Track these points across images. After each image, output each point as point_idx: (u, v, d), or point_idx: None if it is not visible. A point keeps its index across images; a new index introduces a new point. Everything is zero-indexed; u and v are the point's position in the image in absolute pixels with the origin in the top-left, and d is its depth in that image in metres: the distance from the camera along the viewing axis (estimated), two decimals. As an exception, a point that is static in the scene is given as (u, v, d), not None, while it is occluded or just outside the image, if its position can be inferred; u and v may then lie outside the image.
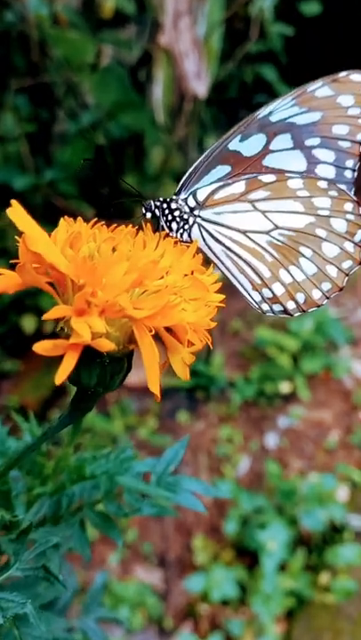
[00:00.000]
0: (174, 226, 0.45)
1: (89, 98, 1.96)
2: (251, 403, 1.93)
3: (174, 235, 0.45)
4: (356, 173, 0.46)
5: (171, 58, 1.74)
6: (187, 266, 0.30)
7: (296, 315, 0.46)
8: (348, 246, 0.45)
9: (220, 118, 2.26)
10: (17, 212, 0.27)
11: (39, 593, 0.41)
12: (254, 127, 0.45)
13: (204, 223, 0.46)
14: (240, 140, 0.45)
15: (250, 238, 0.45)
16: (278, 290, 0.45)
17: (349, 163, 0.46)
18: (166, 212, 0.45)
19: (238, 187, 0.45)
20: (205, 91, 1.70)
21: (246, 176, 0.45)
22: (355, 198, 0.45)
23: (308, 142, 0.45)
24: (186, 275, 0.30)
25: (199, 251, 0.34)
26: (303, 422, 1.89)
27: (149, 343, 0.25)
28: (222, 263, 0.46)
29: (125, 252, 0.28)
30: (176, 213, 0.45)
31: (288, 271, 0.45)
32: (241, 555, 1.52)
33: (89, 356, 0.26)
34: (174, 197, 0.46)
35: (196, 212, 0.46)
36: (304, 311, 0.46)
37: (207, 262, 0.35)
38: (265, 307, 0.47)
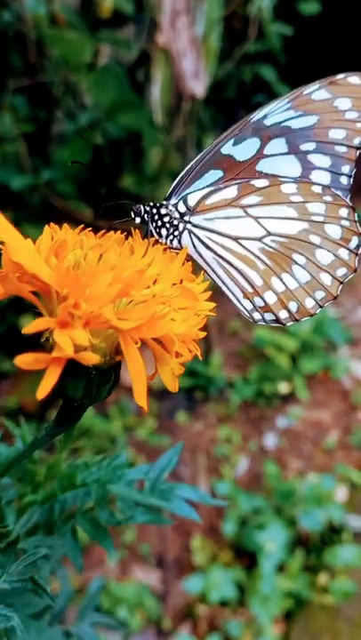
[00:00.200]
0: (164, 232, 0.44)
1: (87, 98, 1.95)
2: (249, 403, 1.92)
3: (164, 241, 0.44)
4: (352, 180, 0.45)
5: (169, 57, 1.73)
6: (176, 274, 0.30)
7: (289, 324, 0.45)
8: (343, 253, 0.44)
9: (219, 118, 2.25)
10: (-2, 221, 0.26)
11: (30, 602, 0.41)
12: (248, 131, 0.44)
13: (194, 229, 0.44)
14: (233, 144, 0.44)
15: (241, 245, 0.44)
16: (270, 298, 0.44)
17: (345, 169, 0.45)
18: (156, 217, 0.44)
19: (230, 192, 0.44)
20: (203, 90, 1.69)
21: (239, 181, 0.44)
22: (350, 203, 0.44)
23: (304, 147, 0.44)
24: (175, 283, 0.30)
25: (189, 258, 0.33)
26: (302, 422, 1.89)
27: (135, 355, 0.25)
28: (213, 271, 0.45)
29: (111, 260, 0.27)
30: (166, 219, 0.44)
31: (280, 279, 0.44)
32: (239, 555, 1.52)
33: (74, 367, 0.25)
34: (164, 202, 0.45)
35: (186, 218, 0.44)
36: (297, 320, 0.45)
37: (197, 270, 0.34)
38: (256, 315, 0.46)
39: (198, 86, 1.64)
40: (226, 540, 1.54)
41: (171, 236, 0.44)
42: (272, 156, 0.44)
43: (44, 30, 1.77)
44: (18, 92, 1.85)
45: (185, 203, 0.45)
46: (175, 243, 0.44)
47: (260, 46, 2.26)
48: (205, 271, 0.45)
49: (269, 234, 0.44)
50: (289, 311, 0.45)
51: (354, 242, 0.44)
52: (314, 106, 0.44)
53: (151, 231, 0.43)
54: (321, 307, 0.44)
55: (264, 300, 0.45)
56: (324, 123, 0.44)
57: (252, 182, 0.44)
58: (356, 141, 0.44)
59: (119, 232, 0.33)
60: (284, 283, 0.44)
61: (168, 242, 0.44)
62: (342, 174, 0.45)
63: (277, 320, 0.45)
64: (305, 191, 0.44)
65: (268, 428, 1.86)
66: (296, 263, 0.44)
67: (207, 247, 0.44)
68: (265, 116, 0.44)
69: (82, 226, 0.32)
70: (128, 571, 1.52)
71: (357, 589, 1.41)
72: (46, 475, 0.41)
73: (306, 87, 0.44)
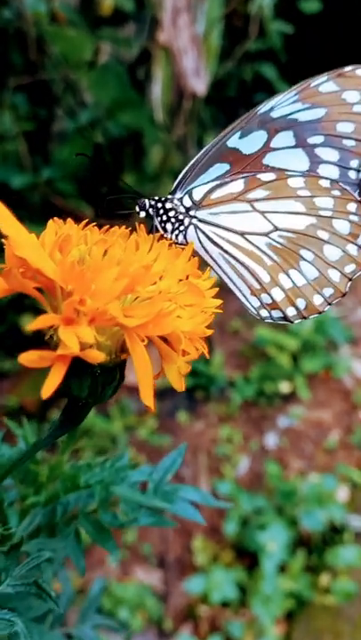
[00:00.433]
0: (169, 227, 0.43)
1: (87, 96, 1.94)
2: (250, 402, 1.92)
3: (169, 236, 0.43)
4: (360, 174, 0.44)
5: (170, 55, 1.72)
6: (182, 270, 0.29)
7: (296, 321, 0.44)
8: (352, 249, 0.43)
9: (220, 117, 2.24)
10: (2, 215, 0.25)
11: (32, 605, 0.40)
12: (255, 123, 0.43)
13: (200, 224, 0.43)
14: (240, 137, 0.43)
15: (248, 240, 0.43)
16: (278, 295, 0.43)
17: (354, 163, 0.43)
18: (161, 211, 0.43)
19: (236, 185, 0.43)
20: (205, 88, 1.69)
21: (245, 174, 0.43)
22: (359, 198, 0.43)
23: (311, 140, 0.43)
24: (181, 279, 0.29)
25: (195, 253, 0.32)
26: (303, 422, 1.89)
27: (142, 353, 0.24)
28: (219, 266, 0.44)
29: (117, 255, 0.26)
30: (171, 214, 0.43)
31: (288, 275, 0.43)
32: (241, 556, 1.51)
33: (79, 366, 0.24)
34: (169, 197, 0.44)
35: (191, 213, 0.43)
36: (305, 317, 0.44)
37: (203, 265, 0.34)
38: (264, 313, 0.45)
39: (200, 84, 1.64)
40: (227, 540, 1.53)
41: (176, 231, 0.43)
42: (279, 149, 0.43)
43: (44, 28, 1.76)
44: (18, 90, 1.84)
45: (190, 197, 0.44)
46: (180, 238, 0.43)
47: (261, 45, 2.25)
48: (211, 267, 0.44)
49: (276, 229, 0.43)
50: (297, 308, 0.44)
51: None
52: (322, 98, 0.43)
53: (156, 226, 0.42)
54: (329, 304, 0.44)
55: (271, 297, 0.44)
56: (332, 115, 0.43)
57: (259, 176, 0.43)
58: None
59: (123, 227, 0.32)
60: (291, 279, 0.43)
61: (173, 237, 0.43)
62: (351, 168, 0.43)
63: (285, 317, 0.44)
64: (313, 185, 0.43)
65: (270, 428, 1.85)
66: (304, 259, 0.43)
67: (213, 242, 0.43)
68: (272, 109, 0.43)
69: (86, 220, 0.31)
70: (129, 571, 1.52)
71: (359, 590, 1.41)
72: (49, 476, 0.40)
73: (313, 79, 0.43)
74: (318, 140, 0.43)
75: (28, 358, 0.22)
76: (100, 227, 0.32)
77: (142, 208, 0.43)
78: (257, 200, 0.43)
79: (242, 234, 0.43)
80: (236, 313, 2.12)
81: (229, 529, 1.50)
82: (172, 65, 1.74)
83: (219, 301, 0.30)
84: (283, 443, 1.80)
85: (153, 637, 1.41)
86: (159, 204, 0.43)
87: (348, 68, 0.43)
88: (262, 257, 0.43)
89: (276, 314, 0.45)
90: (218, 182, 0.43)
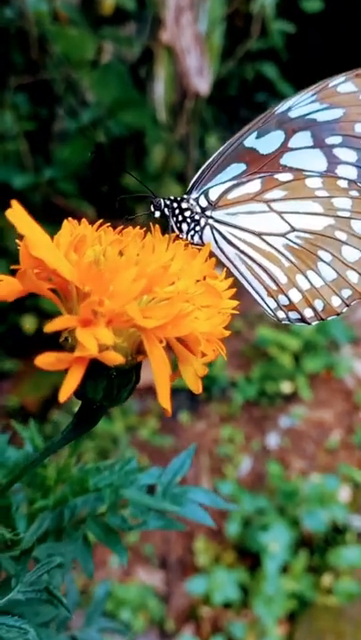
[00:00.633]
0: (185, 227, 0.42)
1: (89, 95, 1.94)
2: (252, 402, 1.91)
3: (185, 237, 0.43)
4: None
5: (172, 54, 1.72)
6: (198, 271, 0.28)
7: (314, 323, 0.44)
8: None
9: (221, 117, 2.24)
10: (17, 214, 0.25)
11: (40, 610, 0.39)
12: (272, 123, 0.43)
13: (216, 224, 0.43)
14: (257, 137, 0.43)
15: (265, 241, 0.42)
16: (295, 296, 0.43)
17: None
18: (176, 211, 0.42)
19: (253, 186, 0.42)
20: (208, 88, 1.68)
21: (262, 174, 0.42)
22: None
23: (329, 141, 0.43)
24: (198, 280, 0.28)
25: (211, 254, 0.32)
26: (305, 422, 1.88)
27: (160, 355, 0.24)
28: (236, 268, 0.44)
29: (133, 256, 0.26)
30: (187, 214, 0.42)
31: (306, 276, 0.42)
32: (243, 556, 1.51)
33: (95, 368, 0.24)
34: (185, 197, 0.43)
35: (208, 213, 0.43)
36: (322, 319, 0.43)
37: (219, 266, 0.33)
38: (281, 314, 0.44)
39: (203, 83, 1.63)
40: (229, 540, 1.53)
41: (192, 232, 0.43)
42: (297, 149, 0.43)
43: (45, 27, 1.75)
44: (19, 90, 1.84)
45: (206, 197, 0.43)
46: (196, 238, 0.43)
47: (263, 44, 2.25)
48: (228, 268, 0.43)
49: (294, 229, 0.42)
50: (315, 310, 0.43)
51: None
52: (340, 98, 0.42)
53: (172, 226, 0.42)
54: (348, 305, 0.43)
55: (289, 299, 0.43)
56: (350, 116, 0.42)
57: (276, 176, 0.42)
58: None
59: (138, 228, 0.32)
60: (309, 280, 0.42)
61: (189, 237, 0.43)
62: None
63: (303, 319, 0.44)
64: (331, 186, 0.42)
65: (271, 428, 1.85)
66: (322, 260, 0.42)
67: (229, 243, 0.43)
68: (289, 109, 0.43)
69: (100, 222, 0.31)
70: (131, 572, 1.51)
71: (362, 590, 1.40)
72: (56, 479, 0.40)
73: (331, 79, 0.42)
74: (336, 140, 0.43)
75: (46, 361, 0.22)
76: (113, 227, 0.31)
77: (158, 208, 0.43)
78: (274, 200, 0.42)
79: (259, 234, 0.43)
80: (238, 313, 2.12)
81: (231, 529, 1.49)
82: (174, 64, 1.74)
83: (235, 302, 0.29)
84: (284, 443, 1.80)
85: (155, 638, 1.41)
86: (175, 204, 0.43)
87: None
88: (280, 258, 0.42)
89: (293, 315, 0.44)
90: (234, 182, 0.43)
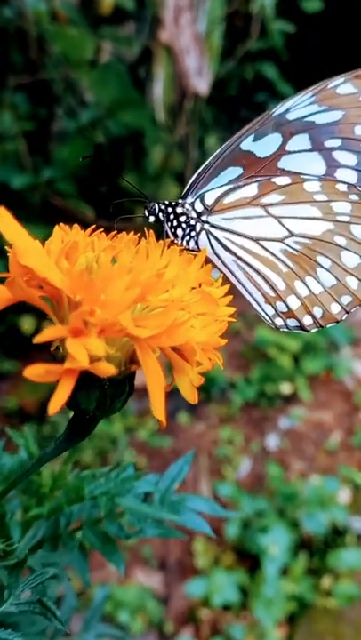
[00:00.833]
0: (180, 232, 0.41)
1: (88, 95, 1.93)
2: (251, 404, 1.91)
3: (180, 242, 0.42)
4: None
5: (171, 54, 1.71)
6: (194, 277, 0.28)
7: (313, 330, 0.43)
8: None
9: (221, 117, 2.23)
10: (5, 221, 0.24)
11: (36, 619, 0.39)
12: (269, 126, 0.42)
13: (212, 230, 0.42)
14: (254, 140, 0.42)
15: (262, 246, 0.41)
16: (293, 303, 0.42)
17: None
18: (171, 216, 0.41)
19: (250, 190, 0.41)
20: (207, 88, 1.68)
21: (259, 178, 0.41)
22: None
23: (328, 143, 0.42)
24: (193, 287, 0.28)
25: (207, 260, 0.31)
26: (304, 423, 1.88)
27: (154, 365, 0.23)
28: (232, 274, 0.42)
29: (127, 263, 0.25)
30: (182, 219, 0.41)
31: (304, 283, 0.41)
32: (242, 558, 1.50)
33: (87, 378, 0.23)
34: (180, 201, 0.42)
35: (203, 218, 0.42)
36: (322, 326, 0.42)
37: (216, 271, 0.33)
38: (279, 321, 0.43)
39: (202, 84, 1.63)
40: (228, 542, 1.52)
41: (187, 237, 0.42)
42: (295, 152, 0.42)
43: (44, 27, 1.75)
44: (18, 90, 1.83)
45: (202, 201, 0.42)
46: (192, 244, 0.42)
47: (262, 44, 2.24)
48: (224, 275, 0.43)
49: (292, 234, 0.41)
50: (313, 317, 0.42)
51: None
52: (339, 100, 0.41)
53: (167, 231, 0.41)
54: (348, 312, 0.42)
55: (287, 305, 0.42)
56: (349, 118, 0.41)
57: (274, 180, 0.41)
58: None
59: (132, 233, 0.31)
60: (308, 287, 0.41)
61: (184, 243, 0.42)
62: None
63: (301, 326, 0.43)
64: (330, 190, 0.41)
65: (271, 429, 1.84)
66: (320, 266, 0.41)
67: (226, 249, 0.42)
68: (287, 111, 0.42)
69: (92, 227, 0.30)
70: (130, 574, 1.51)
71: (361, 593, 1.40)
72: (52, 486, 0.39)
73: (330, 80, 0.41)
74: (335, 143, 0.42)
75: (34, 372, 0.21)
76: (107, 231, 0.31)
77: (152, 212, 0.42)
78: (271, 205, 0.41)
79: (256, 240, 0.42)
80: (237, 313, 2.11)
81: (231, 531, 1.49)
82: (173, 64, 1.73)
83: (232, 309, 0.28)
84: (284, 444, 1.79)
85: (154, 641, 1.40)
86: (170, 209, 0.42)
87: None
88: (277, 264, 0.41)
89: (291, 322, 0.43)
90: (231, 186, 0.42)
